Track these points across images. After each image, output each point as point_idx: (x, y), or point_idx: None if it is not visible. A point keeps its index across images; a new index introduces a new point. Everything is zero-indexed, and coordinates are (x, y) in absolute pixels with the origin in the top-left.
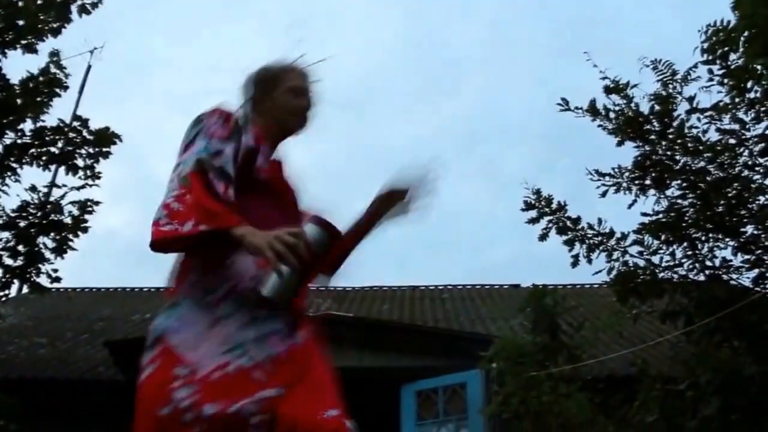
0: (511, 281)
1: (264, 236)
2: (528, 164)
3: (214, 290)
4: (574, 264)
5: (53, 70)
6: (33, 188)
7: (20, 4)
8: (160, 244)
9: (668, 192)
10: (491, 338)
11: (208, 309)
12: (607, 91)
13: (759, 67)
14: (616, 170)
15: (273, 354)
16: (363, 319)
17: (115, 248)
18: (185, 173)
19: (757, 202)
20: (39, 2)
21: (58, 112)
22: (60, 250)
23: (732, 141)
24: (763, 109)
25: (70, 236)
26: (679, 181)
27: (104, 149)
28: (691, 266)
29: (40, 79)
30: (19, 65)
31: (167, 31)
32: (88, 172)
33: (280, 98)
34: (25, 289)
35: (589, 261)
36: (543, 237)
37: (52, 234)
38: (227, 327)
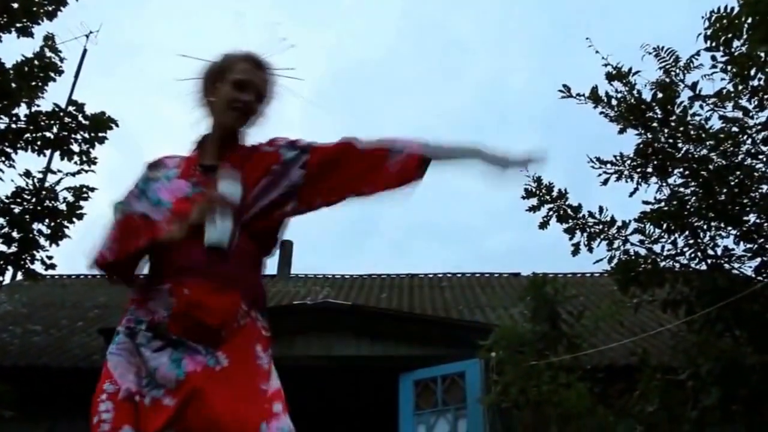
0: (511, 270)
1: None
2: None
3: (141, 322)
4: (575, 252)
5: (48, 54)
6: (28, 174)
7: None
8: (104, 265)
9: (670, 180)
10: (491, 327)
11: (133, 337)
12: (609, 77)
13: (762, 54)
14: (618, 158)
15: (186, 371)
16: (361, 307)
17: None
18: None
19: (759, 190)
20: None
21: (53, 96)
22: (55, 236)
23: (735, 129)
24: (766, 96)
25: (65, 223)
26: (681, 169)
27: (100, 134)
28: (692, 255)
29: (35, 63)
30: (13, 49)
31: (164, 14)
32: (84, 158)
33: (221, 91)
34: (19, 276)
35: (590, 249)
36: (543, 225)
37: (46, 220)
38: (144, 354)
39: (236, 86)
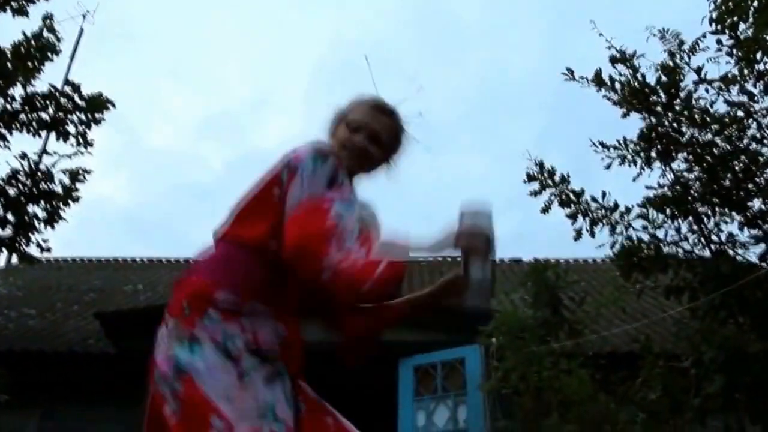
0: (512, 255)
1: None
2: (531, 136)
3: (233, 338)
4: (577, 238)
5: (45, 34)
6: (23, 156)
7: None
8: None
9: (674, 165)
10: (491, 313)
11: (231, 359)
12: (613, 61)
13: None
14: (621, 142)
15: (294, 410)
16: None
17: (107, 217)
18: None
19: (764, 176)
20: None
21: (49, 77)
22: (50, 219)
23: (740, 113)
24: None
25: (61, 205)
26: (685, 154)
27: (96, 115)
28: (696, 241)
29: (32, 43)
30: (10, 29)
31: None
32: (80, 140)
33: (338, 133)
34: (14, 260)
35: (592, 235)
36: (545, 210)
37: (42, 203)
38: (255, 385)
39: (350, 128)
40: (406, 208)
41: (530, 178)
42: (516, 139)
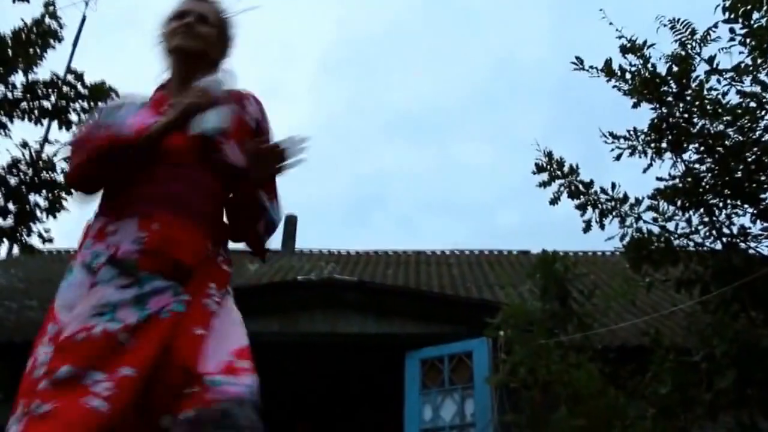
0: (520, 247)
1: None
2: (539, 125)
3: (99, 256)
4: (586, 230)
5: (47, 20)
6: (24, 144)
7: None
8: (77, 176)
9: (685, 156)
10: (499, 305)
11: (91, 273)
12: (623, 50)
13: None
14: (631, 132)
15: (149, 313)
16: (367, 283)
17: None
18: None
19: None
20: None
21: (51, 65)
22: (52, 209)
23: (753, 104)
24: None
25: (63, 195)
26: (696, 145)
27: (99, 104)
28: (707, 233)
29: (34, 29)
30: (11, 15)
31: None
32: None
33: (168, 31)
34: (15, 250)
35: (602, 226)
36: (554, 201)
37: (44, 192)
38: (103, 290)
39: (175, 17)
40: (418, 197)
41: (539, 169)
42: (524, 128)
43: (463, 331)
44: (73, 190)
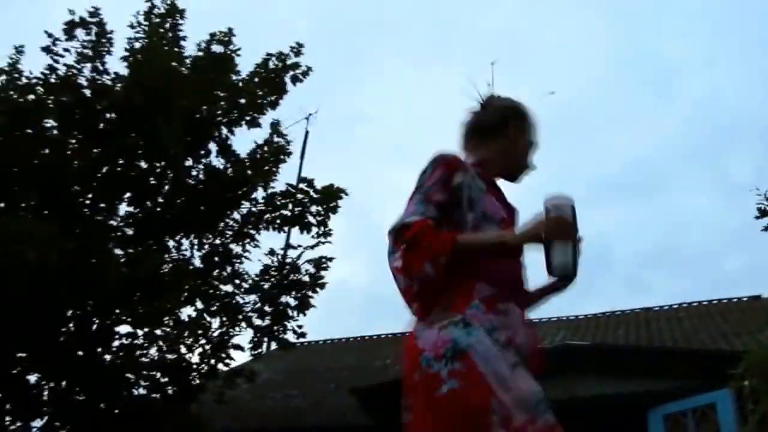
0: (749, 293)
1: (532, 224)
2: (751, 169)
3: (497, 331)
4: None
5: (275, 139)
6: (272, 252)
7: (240, 84)
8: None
9: None
10: (738, 354)
11: (500, 348)
12: None
13: None
14: None
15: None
16: (602, 345)
17: (351, 298)
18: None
19: None
20: (256, 80)
21: (285, 177)
22: (301, 307)
23: None
24: None
25: (310, 293)
26: None
27: (331, 205)
28: None
29: (265, 149)
30: (245, 140)
31: (375, 85)
32: (321, 230)
33: (520, 145)
34: (274, 346)
35: None
36: None
37: (293, 292)
38: (525, 376)
39: (532, 148)
40: (639, 253)
41: (763, 213)
42: (736, 171)
43: (702, 384)
44: (402, 281)
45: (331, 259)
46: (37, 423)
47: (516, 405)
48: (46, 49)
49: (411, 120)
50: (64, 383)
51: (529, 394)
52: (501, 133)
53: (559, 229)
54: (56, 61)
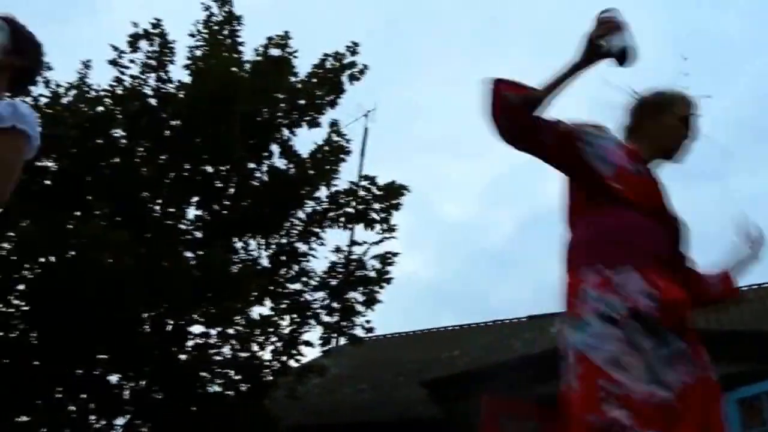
0: None
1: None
2: None
3: (615, 307)
4: None
5: (335, 138)
6: (338, 249)
7: (299, 86)
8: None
9: None
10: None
11: (616, 327)
12: None
13: None
14: None
15: (684, 383)
16: None
17: (416, 292)
18: None
19: None
20: (314, 80)
21: (346, 175)
22: (369, 302)
23: None
24: None
25: (376, 288)
26: None
27: (394, 201)
28: None
29: (326, 148)
30: (306, 140)
31: (428, 79)
32: (384, 226)
33: (667, 123)
34: (343, 341)
35: None
36: None
37: (360, 288)
38: (642, 351)
39: (683, 122)
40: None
41: None
42: None
43: None
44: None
45: (396, 254)
46: (120, 421)
47: (632, 381)
48: (113, 62)
49: (467, 111)
50: (143, 383)
51: (645, 368)
52: (642, 122)
53: (602, 24)
54: (122, 73)
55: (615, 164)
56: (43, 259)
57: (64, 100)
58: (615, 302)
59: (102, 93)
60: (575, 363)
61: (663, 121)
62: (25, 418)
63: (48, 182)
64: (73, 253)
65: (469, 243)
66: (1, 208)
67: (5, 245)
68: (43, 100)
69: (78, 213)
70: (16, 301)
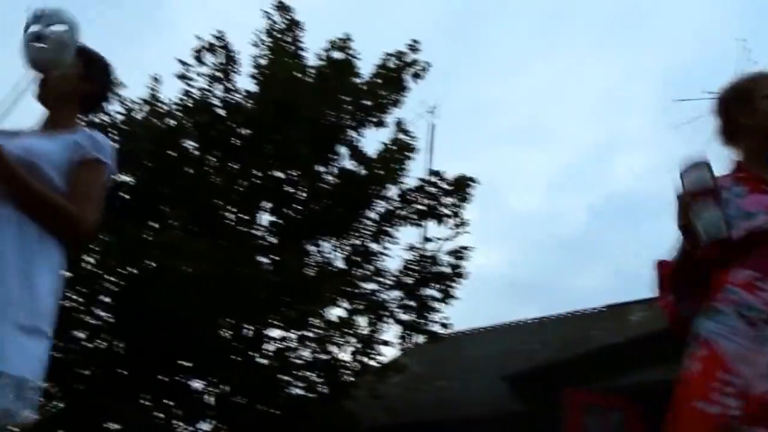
0: None
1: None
2: None
3: (753, 309)
4: None
5: (401, 136)
6: (411, 247)
7: (363, 87)
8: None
9: None
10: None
11: (748, 324)
12: None
13: None
14: None
15: None
16: None
17: (491, 285)
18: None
19: None
20: (378, 81)
21: (415, 172)
22: (445, 298)
23: None
24: None
25: (452, 284)
26: None
27: (464, 195)
28: None
29: (392, 147)
30: (373, 140)
31: (493, 69)
32: (456, 221)
33: (760, 108)
34: (421, 339)
35: None
36: None
37: (435, 285)
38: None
39: None
40: None
41: None
42: None
43: None
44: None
45: (469, 249)
46: (205, 426)
47: (753, 376)
48: (181, 76)
49: (535, 100)
50: (227, 388)
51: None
52: (736, 125)
53: (682, 208)
54: (190, 86)
55: (760, 212)
56: (124, 271)
57: (138, 116)
58: (755, 304)
59: (172, 107)
60: (699, 348)
61: (756, 109)
62: (114, 426)
63: (126, 196)
64: (153, 263)
65: (542, 233)
66: (93, 234)
67: (89, 259)
68: (118, 117)
69: (156, 224)
70: (102, 313)
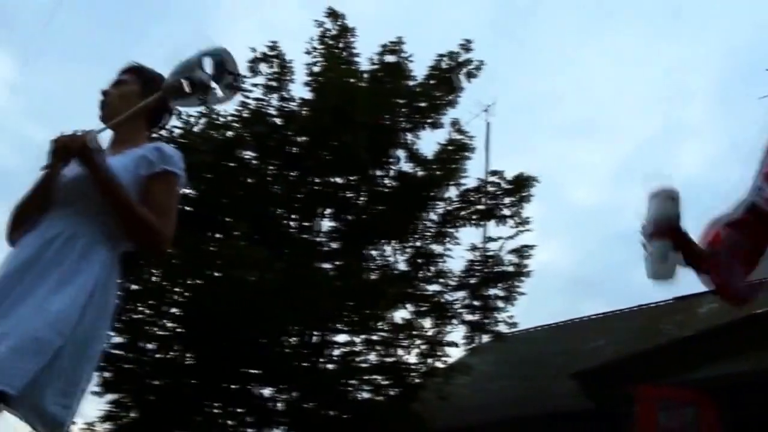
0: None
1: None
2: None
3: None
4: None
5: (457, 137)
6: (473, 247)
7: (417, 89)
8: None
9: None
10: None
11: None
12: None
13: None
14: None
15: None
16: None
17: (556, 282)
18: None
19: None
20: (432, 82)
21: (473, 172)
22: (509, 297)
23: None
24: None
25: (516, 283)
26: None
27: (524, 194)
28: None
29: (449, 148)
30: (429, 142)
31: (546, 62)
32: (517, 219)
33: None
34: (486, 339)
35: None
36: None
37: (499, 284)
38: None
39: None
40: None
41: None
42: None
43: None
44: None
45: (532, 247)
46: None
47: None
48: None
49: (590, 92)
50: (296, 394)
51: None
52: None
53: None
54: (246, 97)
55: None
56: (190, 282)
57: (196, 129)
58: None
59: (230, 118)
60: None
61: None
62: None
63: (188, 208)
64: (217, 273)
65: (605, 227)
66: (169, 245)
67: (155, 272)
68: (177, 131)
69: (218, 235)
70: (170, 324)
